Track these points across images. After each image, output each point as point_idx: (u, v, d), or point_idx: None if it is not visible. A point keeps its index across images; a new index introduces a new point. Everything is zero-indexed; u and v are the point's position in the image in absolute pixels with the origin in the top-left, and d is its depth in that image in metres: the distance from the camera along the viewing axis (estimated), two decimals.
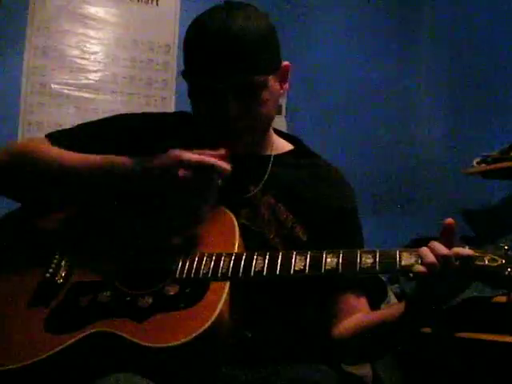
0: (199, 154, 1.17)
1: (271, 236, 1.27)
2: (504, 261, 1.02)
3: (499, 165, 2.70)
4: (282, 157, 1.37)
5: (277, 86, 1.29)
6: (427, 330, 2.59)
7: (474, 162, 2.82)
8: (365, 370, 2.15)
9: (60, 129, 1.44)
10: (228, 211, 1.23)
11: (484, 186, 3.01)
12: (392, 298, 2.69)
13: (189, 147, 1.24)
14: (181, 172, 1.15)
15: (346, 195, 1.38)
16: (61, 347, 1.12)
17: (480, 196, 3.11)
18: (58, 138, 1.37)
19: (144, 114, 1.46)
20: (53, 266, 1.23)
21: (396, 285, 2.76)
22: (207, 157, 1.17)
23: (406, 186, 3.33)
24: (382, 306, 2.31)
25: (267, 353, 1.23)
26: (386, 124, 3.34)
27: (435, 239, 1.07)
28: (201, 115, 1.29)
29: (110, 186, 1.25)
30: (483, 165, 2.79)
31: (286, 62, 1.31)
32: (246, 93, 1.23)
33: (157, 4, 3.01)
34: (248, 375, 1.20)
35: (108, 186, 1.25)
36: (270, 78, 1.25)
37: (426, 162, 3.36)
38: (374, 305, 1.37)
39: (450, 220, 1.08)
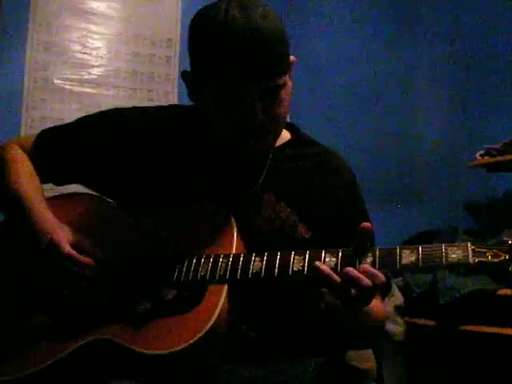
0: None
1: (273, 235, 1.23)
2: (507, 256, 0.98)
3: (503, 157, 2.69)
4: (281, 149, 1.32)
5: (290, 83, 1.23)
6: (432, 322, 2.60)
7: (478, 155, 2.81)
8: (369, 364, 2.15)
9: (57, 125, 1.42)
10: (226, 210, 1.19)
11: (488, 178, 3.00)
12: (396, 292, 2.69)
13: (188, 143, 1.25)
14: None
15: (347, 183, 1.34)
16: (59, 356, 1.11)
17: (484, 189, 3.10)
18: (44, 143, 1.37)
19: (137, 110, 1.40)
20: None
21: (400, 278, 2.76)
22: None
23: (409, 180, 3.32)
24: (387, 299, 2.32)
25: (271, 351, 1.22)
26: (389, 117, 3.33)
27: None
28: (220, 118, 1.21)
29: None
30: (487, 157, 2.78)
31: (292, 57, 1.25)
32: (270, 95, 1.18)
33: None
34: (251, 372, 1.20)
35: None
36: (287, 76, 1.22)
37: (429, 155, 3.35)
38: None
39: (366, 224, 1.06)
